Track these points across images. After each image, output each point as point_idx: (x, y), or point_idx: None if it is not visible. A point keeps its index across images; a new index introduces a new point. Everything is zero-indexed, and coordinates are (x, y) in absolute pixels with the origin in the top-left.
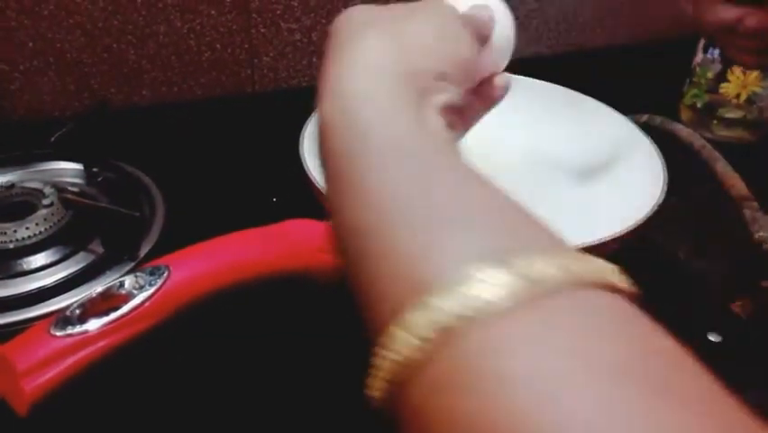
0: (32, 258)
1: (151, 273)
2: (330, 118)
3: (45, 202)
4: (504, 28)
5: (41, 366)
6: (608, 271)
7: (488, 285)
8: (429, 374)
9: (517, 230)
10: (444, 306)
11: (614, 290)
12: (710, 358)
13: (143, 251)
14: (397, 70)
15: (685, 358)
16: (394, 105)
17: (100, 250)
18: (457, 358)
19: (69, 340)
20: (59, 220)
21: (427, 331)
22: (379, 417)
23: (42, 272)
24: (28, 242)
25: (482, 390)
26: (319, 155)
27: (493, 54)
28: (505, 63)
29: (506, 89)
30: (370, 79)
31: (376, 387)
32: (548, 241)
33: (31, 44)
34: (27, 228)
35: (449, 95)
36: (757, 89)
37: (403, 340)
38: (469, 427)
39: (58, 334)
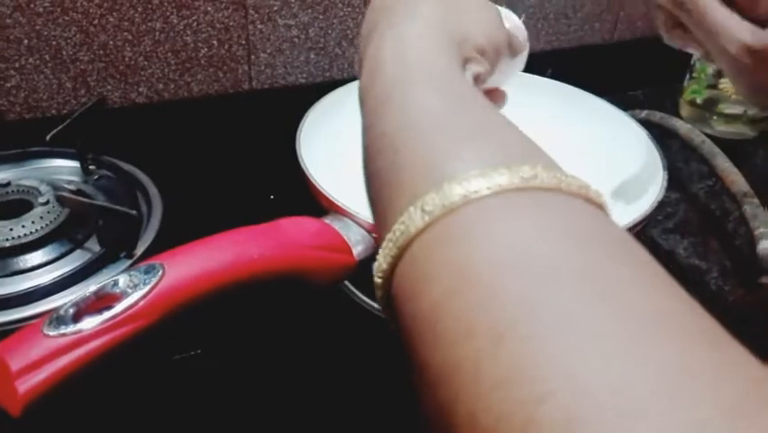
0: (28, 256)
1: (146, 272)
2: (386, 51)
3: (41, 200)
4: (524, 52)
5: (35, 366)
6: (594, 191)
7: (487, 180)
8: (427, 235)
9: (521, 149)
10: (451, 191)
11: (594, 204)
12: None
13: (140, 249)
14: (448, 32)
15: (651, 260)
16: (440, 52)
17: (97, 248)
18: (451, 222)
19: (63, 340)
20: (55, 218)
21: (434, 207)
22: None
23: (39, 271)
24: (24, 240)
25: (467, 240)
26: (364, 83)
27: (506, 71)
28: (508, 81)
29: (504, 104)
30: (426, 30)
31: (383, 264)
32: (545, 160)
33: (26, 41)
34: (23, 226)
35: (481, 68)
36: None
37: (415, 215)
38: (452, 265)
39: (51, 333)
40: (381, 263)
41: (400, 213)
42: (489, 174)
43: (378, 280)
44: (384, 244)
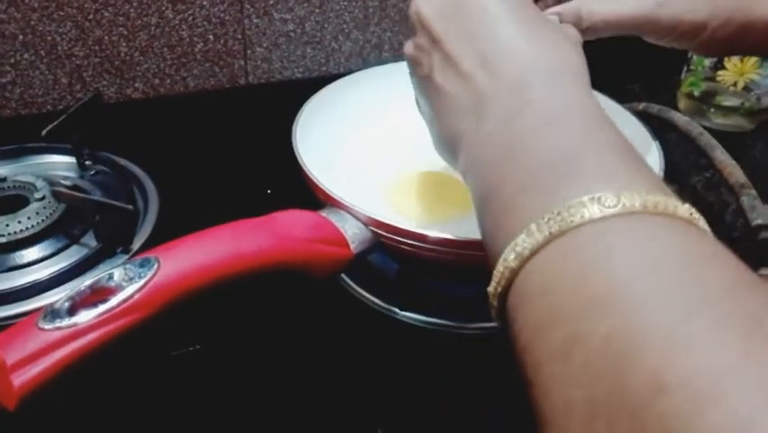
0: (24, 252)
1: (141, 265)
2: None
3: (37, 196)
4: None
5: (30, 360)
6: (696, 216)
7: (602, 207)
8: (550, 248)
9: (632, 173)
10: (571, 214)
11: (694, 226)
12: None
13: (137, 244)
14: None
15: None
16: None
17: (93, 243)
18: (570, 240)
19: (58, 333)
20: (51, 214)
21: (553, 228)
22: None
23: (35, 266)
24: (20, 235)
25: (585, 258)
26: (495, 124)
27: None
28: None
29: None
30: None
31: (504, 272)
32: (653, 183)
33: (21, 37)
34: (19, 222)
35: None
36: (755, 77)
37: (537, 232)
38: (571, 276)
39: (46, 327)
40: (499, 278)
41: (517, 231)
42: (605, 202)
43: (502, 273)
44: (506, 253)
